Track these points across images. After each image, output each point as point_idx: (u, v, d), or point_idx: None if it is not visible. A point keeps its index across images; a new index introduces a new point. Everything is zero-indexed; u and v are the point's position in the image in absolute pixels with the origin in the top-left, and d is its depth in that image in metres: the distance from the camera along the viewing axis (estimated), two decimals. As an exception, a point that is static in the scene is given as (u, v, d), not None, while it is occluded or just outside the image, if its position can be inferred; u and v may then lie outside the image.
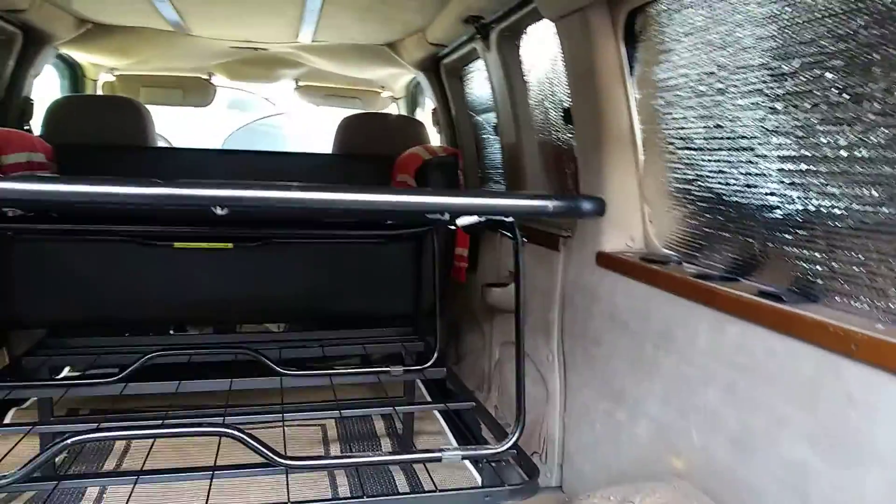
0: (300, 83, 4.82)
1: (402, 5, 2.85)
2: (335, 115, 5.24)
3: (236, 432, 1.45)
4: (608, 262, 2.05)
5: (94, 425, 1.85)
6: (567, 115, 2.36)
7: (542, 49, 2.72)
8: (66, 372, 3.14)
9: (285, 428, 2.01)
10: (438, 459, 1.59)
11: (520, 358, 1.61)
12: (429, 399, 3.24)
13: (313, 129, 5.55)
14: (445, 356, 3.11)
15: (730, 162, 1.59)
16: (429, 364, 2.42)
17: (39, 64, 3.40)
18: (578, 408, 2.23)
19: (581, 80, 2.10)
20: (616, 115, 2.01)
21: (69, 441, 1.50)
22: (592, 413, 2.11)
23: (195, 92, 4.63)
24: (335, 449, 2.81)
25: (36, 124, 3.44)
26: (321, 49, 3.84)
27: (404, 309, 2.86)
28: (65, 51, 3.81)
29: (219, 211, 1.02)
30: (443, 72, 3.70)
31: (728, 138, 1.59)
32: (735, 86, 1.53)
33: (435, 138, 4.03)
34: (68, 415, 2.94)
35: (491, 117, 3.38)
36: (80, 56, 4.08)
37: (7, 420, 2.86)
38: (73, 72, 4.25)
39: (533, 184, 2.84)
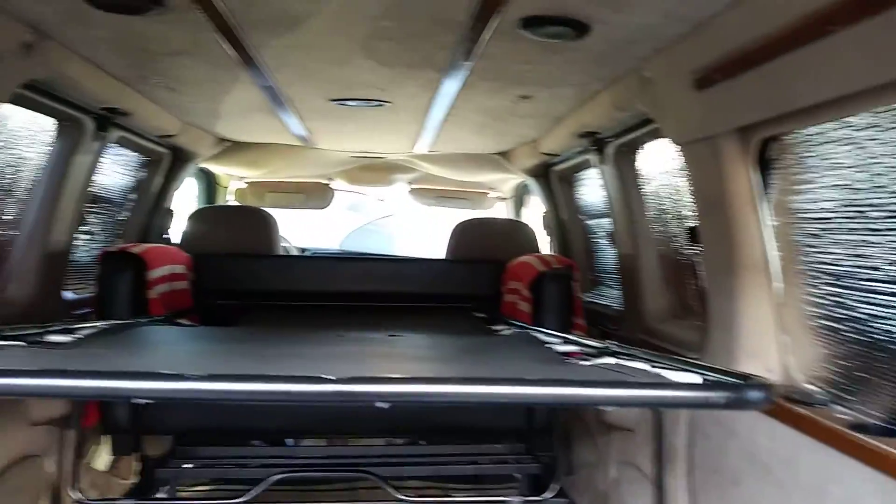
0: (413, 186, 5.03)
1: (518, 122, 2.93)
2: (439, 214, 5.44)
3: None
4: (745, 395, 1.91)
5: None
6: (693, 235, 2.29)
7: (660, 161, 2.70)
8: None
9: None
10: None
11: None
12: None
13: (418, 226, 5.76)
14: (559, 473, 2.99)
15: (890, 308, 1.47)
16: (549, 495, 2.32)
17: (182, 178, 3.76)
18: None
19: (709, 203, 2.04)
20: (748, 240, 1.93)
21: None
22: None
23: (315, 196, 4.94)
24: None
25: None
26: (435, 157, 4.00)
27: (516, 423, 2.80)
28: (203, 164, 4.19)
29: (381, 405, 1.05)
30: (553, 178, 3.74)
31: (886, 282, 1.47)
32: (892, 229, 1.42)
33: (544, 240, 4.04)
34: None
35: (603, 222, 3.35)
36: (217, 168, 4.48)
37: None
38: (210, 181, 4.67)
39: (653, 299, 2.75)
